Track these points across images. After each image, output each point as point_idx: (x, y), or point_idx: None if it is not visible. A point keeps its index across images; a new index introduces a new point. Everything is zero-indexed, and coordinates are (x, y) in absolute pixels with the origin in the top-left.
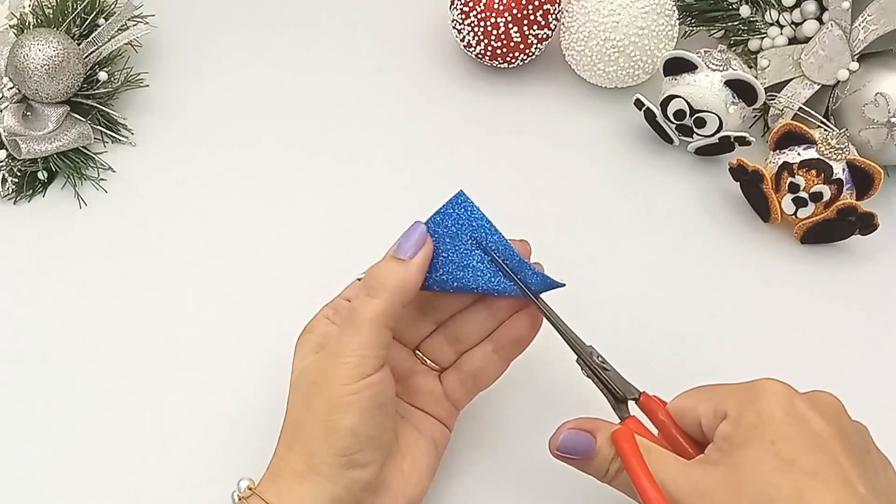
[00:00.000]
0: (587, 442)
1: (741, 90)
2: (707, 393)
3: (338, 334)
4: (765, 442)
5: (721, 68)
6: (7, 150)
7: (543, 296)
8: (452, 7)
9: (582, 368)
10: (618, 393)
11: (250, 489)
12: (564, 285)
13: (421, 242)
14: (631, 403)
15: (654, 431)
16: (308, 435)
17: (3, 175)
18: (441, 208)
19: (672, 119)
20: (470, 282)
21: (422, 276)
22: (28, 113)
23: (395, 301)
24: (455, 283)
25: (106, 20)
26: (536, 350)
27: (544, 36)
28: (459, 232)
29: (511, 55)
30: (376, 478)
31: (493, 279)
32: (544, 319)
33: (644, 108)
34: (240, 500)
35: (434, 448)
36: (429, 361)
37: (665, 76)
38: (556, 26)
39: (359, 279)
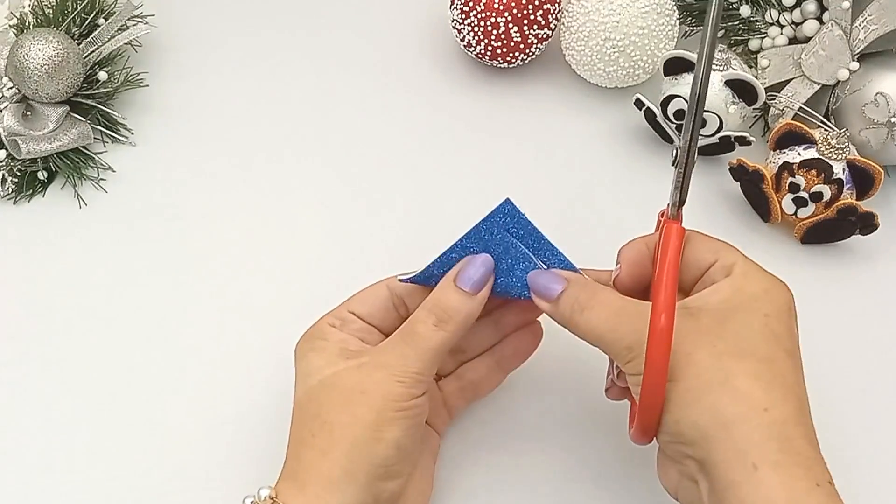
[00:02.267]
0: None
1: (741, 90)
2: (726, 251)
3: (392, 349)
4: (759, 314)
5: (721, 68)
6: (7, 150)
7: None
8: (452, 7)
9: (674, 161)
10: (684, 196)
11: (272, 498)
12: None
13: (488, 278)
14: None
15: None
16: (351, 441)
17: (3, 175)
18: (488, 216)
19: (672, 119)
20: (513, 289)
21: (481, 309)
22: (28, 113)
23: (458, 333)
24: (499, 290)
25: (106, 20)
26: (539, 349)
27: (544, 36)
28: (505, 240)
29: (511, 55)
30: (402, 489)
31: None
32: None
33: (644, 108)
34: None
35: (432, 455)
36: None
37: (665, 76)
38: (556, 26)
39: (401, 279)
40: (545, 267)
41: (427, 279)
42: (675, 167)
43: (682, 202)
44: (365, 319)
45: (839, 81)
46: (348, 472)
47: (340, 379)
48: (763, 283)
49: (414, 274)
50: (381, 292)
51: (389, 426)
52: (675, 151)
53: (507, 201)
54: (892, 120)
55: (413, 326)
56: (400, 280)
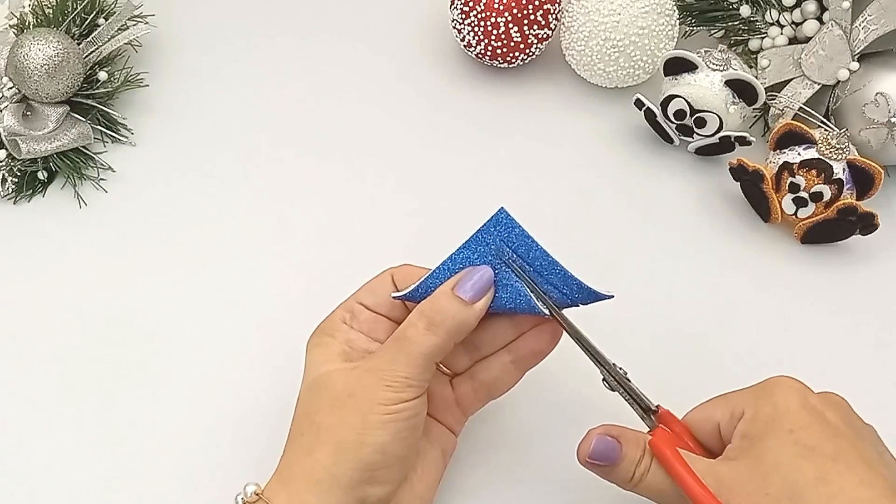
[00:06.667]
0: (615, 448)
1: (741, 90)
2: (722, 400)
3: (383, 353)
4: (783, 431)
5: (721, 68)
6: (7, 149)
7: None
8: (452, 7)
9: (605, 380)
10: (643, 403)
11: (257, 494)
12: (613, 297)
13: (487, 288)
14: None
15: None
16: (336, 443)
17: (3, 175)
18: (484, 226)
19: (672, 119)
20: (510, 302)
21: (478, 321)
22: (28, 113)
23: (451, 340)
24: (496, 302)
25: (106, 20)
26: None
27: (544, 36)
28: (501, 251)
29: (511, 55)
30: (390, 496)
31: (530, 298)
32: (564, 333)
33: (644, 108)
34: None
35: (442, 458)
36: (442, 366)
37: (665, 76)
38: (556, 26)
39: (395, 296)
40: (541, 278)
41: (423, 295)
42: (614, 390)
43: (647, 410)
44: (373, 309)
45: (839, 81)
46: (331, 474)
47: (332, 380)
48: (769, 397)
49: (409, 290)
50: (387, 281)
51: (376, 430)
52: (604, 375)
53: (502, 210)
54: (892, 120)
55: (404, 331)
56: (393, 297)
